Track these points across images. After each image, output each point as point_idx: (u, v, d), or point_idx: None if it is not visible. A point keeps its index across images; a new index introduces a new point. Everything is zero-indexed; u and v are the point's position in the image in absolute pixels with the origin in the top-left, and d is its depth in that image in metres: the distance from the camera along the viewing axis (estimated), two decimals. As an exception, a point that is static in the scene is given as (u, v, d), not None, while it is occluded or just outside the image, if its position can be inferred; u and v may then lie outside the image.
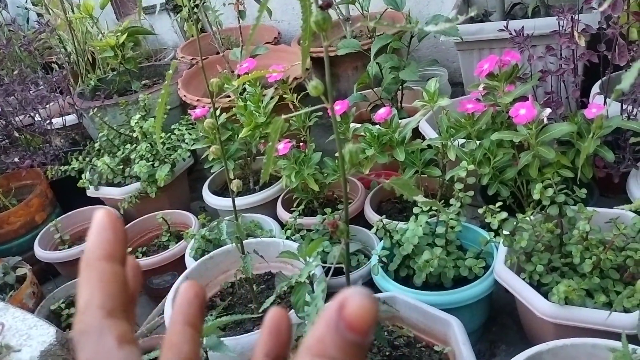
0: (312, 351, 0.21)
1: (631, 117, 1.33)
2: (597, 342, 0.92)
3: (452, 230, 1.23)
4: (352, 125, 1.49)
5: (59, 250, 1.75)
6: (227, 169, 1.02)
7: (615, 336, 0.92)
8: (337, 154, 1.49)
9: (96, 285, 0.23)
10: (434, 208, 1.27)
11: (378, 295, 1.08)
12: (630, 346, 0.81)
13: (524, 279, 1.09)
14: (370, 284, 1.27)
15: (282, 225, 1.56)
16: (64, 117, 2.22)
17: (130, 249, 1.63)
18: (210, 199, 1.71)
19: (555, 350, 0.93)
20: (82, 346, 0.22)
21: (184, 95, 1.97)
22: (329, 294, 1.27)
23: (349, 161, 0.73)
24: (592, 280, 1.04)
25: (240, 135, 1.45)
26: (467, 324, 1.09)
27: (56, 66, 2.56)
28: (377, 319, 0.21)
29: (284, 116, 0.71)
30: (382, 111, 1.38)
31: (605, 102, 1.32)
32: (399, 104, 1.86)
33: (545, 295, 1.04)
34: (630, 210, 1.15)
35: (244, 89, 1.58)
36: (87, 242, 0.24)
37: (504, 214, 1.10)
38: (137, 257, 1.61)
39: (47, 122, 2.02)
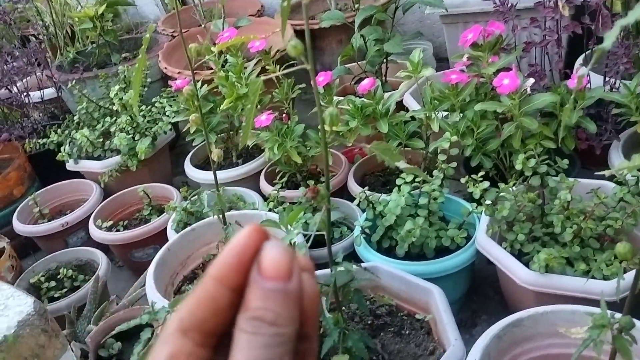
0: (240, 312, 0.22)
1: (613, 89, 1.33)
2: (576, 308, 0.93)
3: (434, 202, 1.23)
4: (335, 98, 1.48)
5: (39, 224, 1.72)
6: (207, 138, 1.00)
7: (594, 304, 0.93)
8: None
9: (189, 300, 0.23)
10: (417, 179, 1.26)
11: (361, 264, 1.08)
12: (609, 311, 0.82)
13: (505, 248, 1.09)
14: (352, 255, 1.27)
15: (265, 198, 1.55)
16: (42, 91, 2.17)
17: (111, 222, 1.61)
18: (192, 172, 1.70)
19: (536, 317, 0.94)
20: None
21: (165, 68, 1.93)
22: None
23: (329, 124, 0.72)
24: (573, 249, 1.05)
25: (221, 107, 1.43)
26: (449, 294, 1.09)
27: (34, 38, 2.50)
28: (293, 264, 0.22)
29: (262, 77, 0.69)
30: (365, 82, 1.37)
31: (588, 74, 1.32)
32: (383, 77, 1.85)
33: (526, 264, 1.05)
34: (611, 180, 1.16)
35: (226, 61, 1.55)
36: (220, 257, 0.24)
37: (486, 184, 1.10)
38: (117, 231, 1.60)
39: (25, 94, 1.97)
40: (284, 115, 1.47)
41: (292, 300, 0.22)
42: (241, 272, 0.22)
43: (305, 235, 0.98)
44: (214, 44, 1.76)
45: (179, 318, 0.23)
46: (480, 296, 1.35)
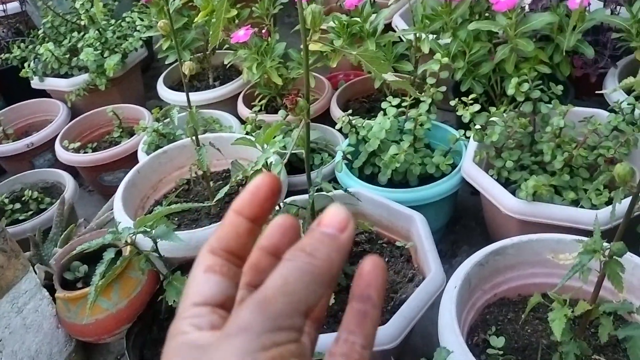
0: (292, 248, 0.24)
1: (614, 13, 1.25)
2: (561, 237, 0.89)
3: (420, 127, 1.16)
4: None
5: (3, 144, 1.62)
6: (177, 46, 0.91)
7: (580, 234, 0.90)
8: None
9: (217, 230, 0.27)
10: (403, 104, 1.20)
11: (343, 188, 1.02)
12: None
13: (491, 176, 1.04)
14: (333, 182, 1.22)
15: (243, 122, 1.47)
16: (4, 5, 2.02)
17: (79, 144, 1.53)
18: (166, 93, 1.60)
19: (520, 245, 0.91)
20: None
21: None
22: (290, 192, 1.20)
23: (311, 23, 0.64)
24: (562, 177, 1.00)
25: (196, 20, 1.32)
26: (431, 223, 1.05)
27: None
28: (349, 222, 0.25)
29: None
30: (352, -3, 1.27)
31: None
32: (372, -2, 1.73)
33: (513, 193, 1.01)
34: (605, 109, 1.11)
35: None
36: (239, 196, 0.28)
37: (477, 107, 1.04)
38: (85, 153, 1.51)
39: (-16, 5, 1.82)
40: (264, 31, 1.37)
41: (337, 246, 0.24)
42: (254, 204, 0.27)
43: (282, 156, 0.91)
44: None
45: (209, 243, 0.27)
46: (462, 227, 1.32)
